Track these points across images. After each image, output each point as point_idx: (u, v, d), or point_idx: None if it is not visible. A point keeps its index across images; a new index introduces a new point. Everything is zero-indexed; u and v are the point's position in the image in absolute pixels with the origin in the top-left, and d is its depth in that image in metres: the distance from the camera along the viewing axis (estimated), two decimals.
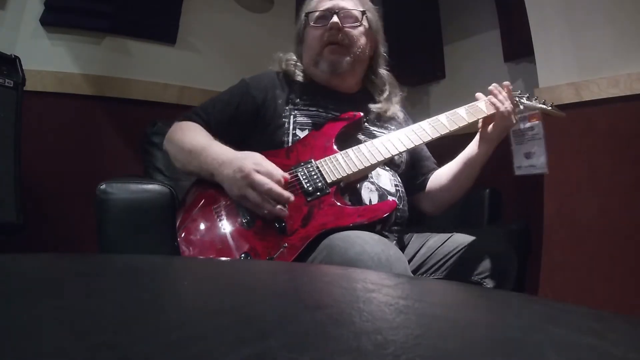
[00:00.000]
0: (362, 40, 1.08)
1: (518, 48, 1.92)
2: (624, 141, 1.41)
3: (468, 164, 1.06)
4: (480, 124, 1.06)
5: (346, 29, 1.05)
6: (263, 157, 0.91)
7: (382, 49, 1.16)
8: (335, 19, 1.03)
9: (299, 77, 1.10)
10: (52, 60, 1.71)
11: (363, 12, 1.08)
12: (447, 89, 2.32)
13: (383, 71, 1.17)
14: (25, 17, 1.67)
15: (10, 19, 1.64)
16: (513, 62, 2.00)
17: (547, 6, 1.56)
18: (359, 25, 1.07)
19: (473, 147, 1.07)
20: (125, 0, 1.82)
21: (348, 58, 1.06)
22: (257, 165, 0.88)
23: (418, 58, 2.26)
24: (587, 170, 1.47)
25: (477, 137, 1.06)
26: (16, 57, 1.40)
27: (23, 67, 1.41)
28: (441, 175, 1.13)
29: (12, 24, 1.65)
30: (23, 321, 0.24)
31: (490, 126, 1.03)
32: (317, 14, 1.08)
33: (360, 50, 1.07)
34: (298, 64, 1.13)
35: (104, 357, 0.20)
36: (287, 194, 0.87)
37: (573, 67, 1.52)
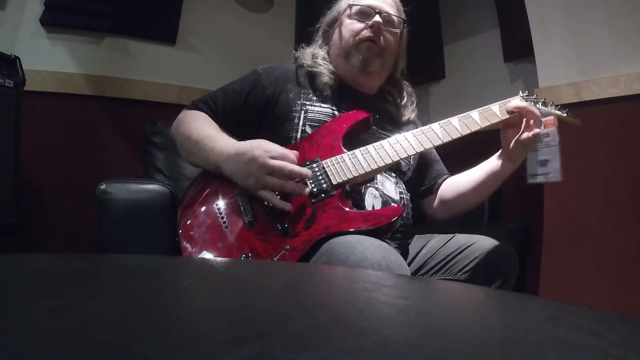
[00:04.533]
0: (395, 48, 1.09)
1: (518, 48, 1.92)
2: (624, 141, 1.41)
3: (492, 177, 1.03)
4: (505, 139, 1.00)
5: (386, 31, 1.05)
6: (267, 141, 0.91)
7: (403, 61, 1.16)
8: (378, 18, 1.04)
9: (324, 77, 1.07)
10: (52, 60, 1.71)
11: (403, 22, 1.10)
12: (447, 89, 2.32)
13: (399, 78, 1.17)
14: (25, 17, 1.67)
15: (10, 19, 1.64)
16: (513, 62, 2.00)
17: (547, 6, 1.56)
18: (396, 33, 1.08)
19: (498, 162, 1.02)
20: (125, 0, 1.82)
21: (380, 60, 1.06)
22: (269, 152, 0.88)
23: (418, 58, 2.26)
24: (587, 170, 1.47)
25: (502, 152, 1.02)
26: (16, 57, 1.40)
27: (23, 67, 1.41)
28: (459, 184, 1.10)
29: (12, 24, 1.65)
30: (23, 321, 0.24)
31: (514, 141, 0.96)
32: (358, 7, 1.07)
33: (390, 56, 1.09)
34: (324, 60, 1.11)
35: (104, 357, 0.20)
36: (306, 170, 0.88)
37: (573, 67, 1.52)
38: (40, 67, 1.66)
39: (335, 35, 1.11)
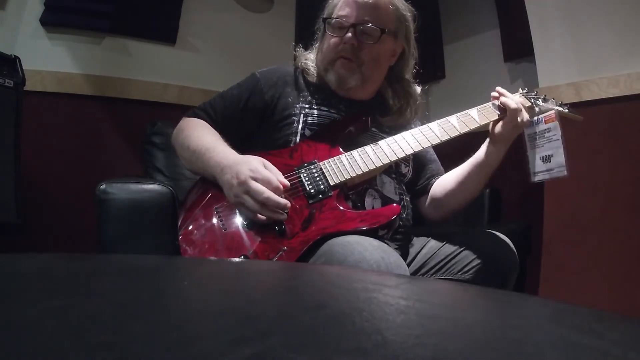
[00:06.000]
0: (375, 59, 1.02)
1: (518, 48, 1.92)
2: (624, 141, 1.41)
3: (476, 167, 1.02)
4: (490, 127, 1.01)
5: (362, 45, 0.99)
6: (262, 161, 0.89)
7: (412, 56, 1.10)
8: (349, 34, 0.98)
9: (313, 78, 1.07)
10: (52, 60, 1.71)
11: (382, 31, 0.99)
12: (447, 89, 2.32)
13: (406, 79, 1.11)
14: (25, 17, 1.67)
15: (10, 19, 1.64)
16: (513, 62, 2.00)
17: (547, 6, 1.56)
18: (376, 44, 1.00)
19: (482, 151, 1.02)
20: (125, 0, 1.83)
21: (357, 75, 1.01)
22: (254, 172, 0.85)
23: (417, 58, 2.25)
24: (587, 170, 1.46)
25: (487, 140, 1.02)
26: (16, 57, 1.40)
27: (23, 67, 1.41)
28: (447, 180, 1.08)
29: (12, 24, 1.65)
30: (22, 321, 0.24)
31: (499, 126, 0.98)
32: (334, 21, 1.01)
33: (371, 69, 1.03)
34: (314, 65, 1.09)
35: (103, 357, 0.20)
36: (284, 201, 0.85)
37: (573, 67, 1.52)
38: (40, 67, 1.66)
39: (322, 45, 1.07)
